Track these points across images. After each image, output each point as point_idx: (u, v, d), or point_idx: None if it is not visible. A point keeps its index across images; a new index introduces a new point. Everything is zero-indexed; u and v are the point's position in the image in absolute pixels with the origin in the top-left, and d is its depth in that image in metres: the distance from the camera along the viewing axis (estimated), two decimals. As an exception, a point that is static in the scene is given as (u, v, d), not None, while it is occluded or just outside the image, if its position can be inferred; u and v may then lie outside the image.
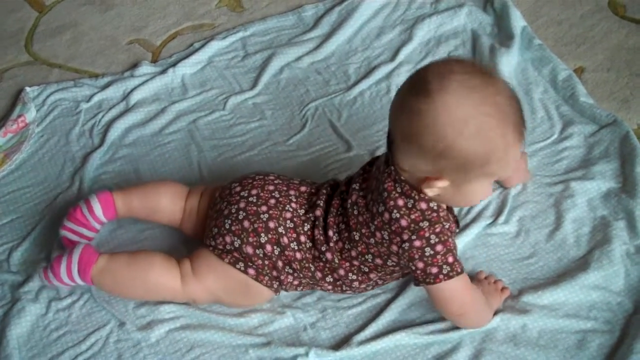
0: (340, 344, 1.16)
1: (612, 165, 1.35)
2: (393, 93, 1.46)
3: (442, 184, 1.02)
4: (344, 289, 1.18)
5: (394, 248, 1.08)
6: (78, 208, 1.25)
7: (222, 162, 1.43)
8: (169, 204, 1.26)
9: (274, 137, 1.47)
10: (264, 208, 1.15)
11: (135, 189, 1.28)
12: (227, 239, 1.15)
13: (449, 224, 1.07)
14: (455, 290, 1.08)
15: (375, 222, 1.08)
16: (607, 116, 1.42)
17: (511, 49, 1.55)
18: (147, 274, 1.17)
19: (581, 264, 1.22)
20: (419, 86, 1.00)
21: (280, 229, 1.14)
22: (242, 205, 1.16)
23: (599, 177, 1.33)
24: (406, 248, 1.06)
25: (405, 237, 1.06)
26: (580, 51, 1.59)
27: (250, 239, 1.14)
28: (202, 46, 1.65)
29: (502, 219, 1.29)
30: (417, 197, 1.05)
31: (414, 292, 1.19)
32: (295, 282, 1.18)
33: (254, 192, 1.17)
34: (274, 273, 1.16)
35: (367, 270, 1.15)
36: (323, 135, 1.47)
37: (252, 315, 1.20)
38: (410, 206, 1.05)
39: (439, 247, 1.06)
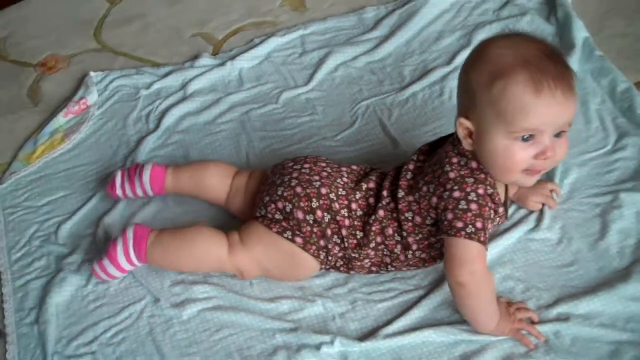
0: (367, 336, 1.15)
1: (665, 179, 1.30)
2: (446, 96, 1.51)
3: (466, 122, 1.09)
4: (384, 255, 1.18)
5: (434, 200, 1.11)
6: (135, 166, 1.33)
7: (270, 153, 1.45)
8: (217, 180, 1.30)
9: (323, 133, 1.48)
10: (317, 177, 1.19)
11: (185, 166, 1.34)
12: (280, 204, 1.17)
13: (493, 194, 1.10)
14: (469, 254, 1.08)
15: (426, 178, 1.14)
16: (664, 130, 1.38)
17: (571, 59, 1.51)
18: (195, 242, 1.20)
19: (622, 275, 1.18)
20: None
21: (332, 195, 1.17)
22: (295, 175, 1.19)
23: (650, 189, 1.29)
24: (445, 197, 1.09)
25: (449, 186, 1.10)
26: (643, 65, 1.55)
27: (302, 204, 1.16)
28: (262, 42, 1.69)
29: (544, 225, 1.27)
30: (470, 156, 1.12)
31: (445, 292, 1.18)
32: (340, 255, 1.19)
33: (307, 166, 1.21)
34: (322, 242, 1.17)
35: (405, 234, 1.16)
36: (372, 133, 1.47)
37: (283, 301, 1.21)
38: (463, 164, 1.12)
39: (473, 206, 1.08)
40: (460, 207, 1.08)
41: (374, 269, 1.21)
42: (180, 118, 1.54)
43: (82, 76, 1.66)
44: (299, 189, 1.18)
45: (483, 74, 1.09)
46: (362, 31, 1.71)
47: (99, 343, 1.19)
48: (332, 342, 1.14)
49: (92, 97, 1.60)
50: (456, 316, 1.16)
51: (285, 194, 1.18)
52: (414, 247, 1.17)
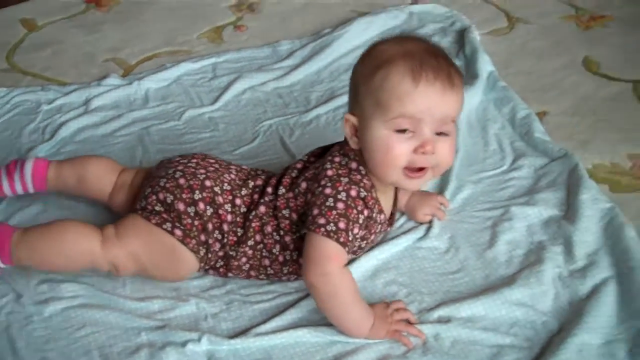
0: (238, 335, 1.09)
1: (558, 195, 1.29)
2: (350, 119, 1.47)
3: (350, 116, 1.09)
4: (263, 257, 1.14)
5: (309, 196, 1.09)
6: (15, 160, 1.25)
7: (164, 164, 1.41)
8: (100, 174, 1.24)
9: (222, 147, 1.46)
10: (203, 171, 1.15)
11: (70, 159, 1.28)
12: (160, 195, 1.13)
13: (367, 197, 1.07)
14: (324, 253, 1.04)
15: (307, 174, 1.11)
16: (559, 150, 1.37)
17: (474, 87, 1.53)
18: (64, 237, 1.12)
19: (508, 281, 1.15)
20: None
21: (217, 189, 1.13)
22: (180, 168, 1.15)
23: (542, 204, 1.27)
24: (317, 193, 1.07)
25: (323, 182, 1.08)
26: (546, 97, 1.57)
27: (184, 195, 1.12)
28: (173, 66, 1.68)
29: (433, 234, 1.24)
30: (352, 156, 1.10)
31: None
32: (220, 254, 1.14)
33: (194, 160, 1.18)
34: (202, 237, 1.12)
35: (282, 232, 1.12)
36: (271, 149, 1.45)
37: (153, 300, 1.14)
38: (343, 163, 1.10)
39: (340, 205, 1.05)
40: (327, 203, 1.06)
41: (252, 272, 1.16)
42: (78, 130, 1.50)
43: (-14, 93, 1.63)
44: (181, 180, 1.14)
45: (366, 66, 1.09)
46: (274, 61, 1.71)
47: (-52, 338, 1.10)
48: (199, 339, 1.07)
49: (-8, 110, 1.56)
50: (334, 318, 1.10)
51: (167, 185, 1.13)
52: (291, 246, 1.13)
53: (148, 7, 1.96)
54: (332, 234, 1.04)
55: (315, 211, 1.06)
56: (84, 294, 1.15)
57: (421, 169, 1.07)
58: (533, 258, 1.18)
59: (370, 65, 1.08)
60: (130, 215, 1.15)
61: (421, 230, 1.25)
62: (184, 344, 1.06)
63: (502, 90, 1.54)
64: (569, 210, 1.25)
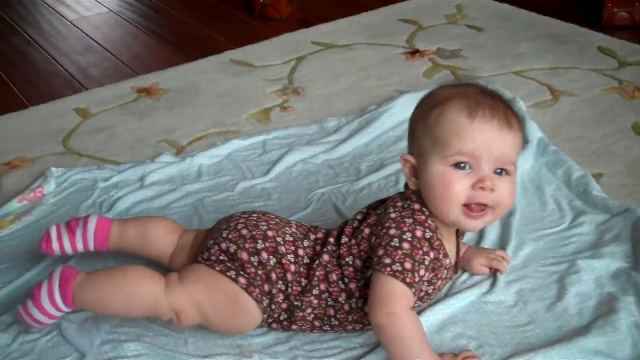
0: (306, 390, 1.06)
1: (623, 248, 1.27)
2: (402, 185, 1.50)
3: (409, 157, 1.11)
4: (328, 306, 1.12)
5: (373, 240, 1.08)
6: (77, 218, 1.25)
7: (221, 234, 1.42)
8: (162, 235, 1.24)
9: (277, 215, 1.45)
10: (264, 224, 1.16)
11: (133, 219, 1.29)
12: (223, 245, 1.13)
13: (432, 237, 1.06)
14: (391, 293, 1.02)
15: (369, 221, 1.11)
16: (620, 206, 1.36)
17: (525, 152, 1.53)
18: (127, 280, 1.11)
19: (582, 331, 1.11)
20: None
21: (279, 239, 1.13)
22: (242, 221, 1.16)
23: (609, 257, 1.25)
24: (382, 235, 1.06)
25: (387, 224, 1.07)
26: (599, 161, 1.56)
27: (247, 245, 1.12)
28: (224, 144, 1.71)
29: (499, 288, 1.21)
30: (414, 198, 1.11)
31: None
32: (284, 306, 1.12)
33: (255, 215, 1.18)
34: (266, 287, 1.11)
35: (347, 280, 1.11)
36: (325, 215, 1.45)
37: (217, 357, 1.12)
38: (406, 206, 1.10)
39: (406, 245, 1.04)
40: (393, 244, 1.05)
41: (316, 323, 1.14)
42: (134, 204, 1.52)
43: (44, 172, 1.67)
44: (244, 232, 1.14)
45: (423, 107, 1.13)
46: (322, 136, 1.74)
47: (12, 398, 1.08)
48: (267, 394, 1.04)
49: (49, 187, 1.59)
50: (403, 372, 1.07)
51: (230, 236, 1.14)
52: (357, 294, 1.11)
53: (196, 95, 2.02)
54: (398, 274, 1.02)
55: (381, 252, 1.05)
56: (148, 353, 1.13)
57: (482, 209, 1.07)
58: (605, 309, 1.15)
59: (427, 106, 1.11)
60: (194, 265, 1.15)
61: (486, 286, 1.22)
62: (251, 398, 1.04)
63: (554, 154, 1.54)
64: (638, 261, 1.22)
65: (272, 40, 2.36)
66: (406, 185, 1.14)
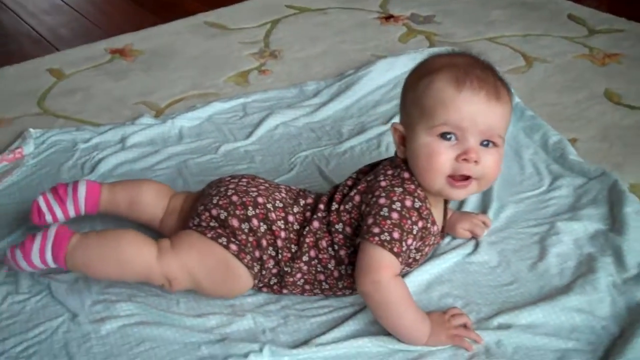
0: (299, 346, 1.08)
1: (600, 210, 1.31)
2: (383, 148, 1.52)
3: (398, 126, 1.12)
4: (318, 272, 1.14)
5: (363, 207, 1.09)
6: (63, 184, 1.23)
7: (205, 195, 1.42)
8: (152, 199, 1.24)
9: (262, 177, 1.47)
10: (254, 189, 1.16)
11: (120, 183, 1.28)
12: (214, 211, 1.13)
13: (421, 207, 1.08)
14: (376, 262, 1.05)
15: (359, 187, 1.12)
16: (596, 169, 1.40)
17: (503, 117, 1.56)
18: (120, 246, 1.12)
19: (563, 290, 1.15)
20: None
21: (269, 206, 1.14)
22: (231, 186, 1.16)
23: (586, 219, 1.29)
24: (371, 203, 1.08)
25: (377, 193, 1.08)
26: (573, 126, 1.61)
27: (237, 212, 1.12)
28: (204, 106, 1.71)
29: (482, 249, 1.25)
30: (403, 167, 1.12)
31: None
32: (274, 271, 1.14)
33: (244, 180, 1.19)
34: (257, 253, 1.12)
35: (337, 247, 1.12)
36: (309, 177, 1.47)
37: (209, 316, 1.14)
38: (395, 174, 1.11)
39: (394, 215, 1.06)
40: (382, 213, 1.07)
41: (307, 287, 1.16)
42: (117, 165, 1.51)
43: (21, 133, 1.64)
44: (234, 197, 1.15)
45: (413, 76, 1.13)
46: (302, 99, 1.75)
47: (6, 356, 1.08)
48: (260, 350, 1.06)
49: (28, 148, 1.57)
50: (393, 329, 1.10)
51: (220, 202, 1.14)
52: (346, 260, 1.13)
53: (172, 57, 2.00)
54: (386, 244, 1.04)
55: (370, 220, 1.06)
56: (140, 312, 1.14)
57: (466, 179, 1.09)
58: (585, 268, 1.19)
59: (417, 75, 1.12)
60: (185, 231, 1.15)
61: (469, 247, 1.26)
62: (246, 355, 1.05)
63: (530, 119, 1.58)
64: (615, 223, 1.27)
65: (244, 3, 2.34)
66: (397, 152, 1.16)
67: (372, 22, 2.17)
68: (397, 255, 1.05)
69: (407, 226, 1.07)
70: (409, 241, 1.08)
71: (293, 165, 1.51)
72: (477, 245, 1.26)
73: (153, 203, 1.24)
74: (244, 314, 1.14)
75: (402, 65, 1.83)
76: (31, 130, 1.63)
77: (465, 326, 1.08)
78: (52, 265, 1.13)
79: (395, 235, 1.05)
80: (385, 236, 1.05)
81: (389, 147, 1.54)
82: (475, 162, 1.07)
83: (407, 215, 1.07)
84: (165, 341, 1.10)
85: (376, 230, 1.05)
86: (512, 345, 1.07)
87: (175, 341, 1.10)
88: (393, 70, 1.82)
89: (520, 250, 1.25)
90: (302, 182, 1.44)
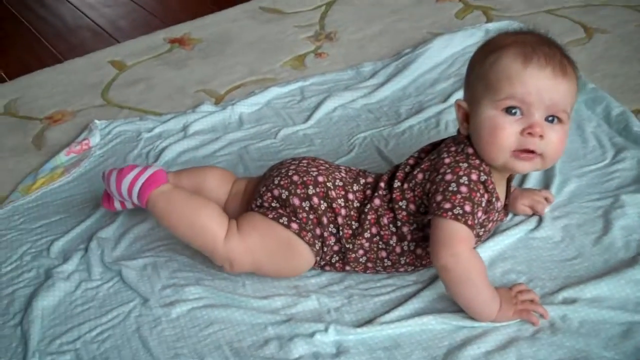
0: (363, 324, 1.10)
1: (667, 181, 1.29)
2: (442, 127, 1.52)
3: (463, 103, 1.13)
4: (379, 249, 1.15)
5: (428, 186, 1.10)
6: (132, 166, 1.23)
7: (267, 179, 1.45)
8: (216, 185, 1.27)
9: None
10: (314, 169, 1.18)
11: (185, 170, 1.32)
12: (275, 192, 1.16)
13: (487, 180, 1.09)
14: (453, 236, 1.05)
15: (423, 166, 1.13)
16: (661, 140, 1.37)
17: (564, 91, 1.54)
18: (200, 211, 1.15)
19: (629, 263, 1.14)
20: None
21: (329, 184, 1.16)
22: (292, 167, 1.19)
23: (653, 191, 1.27)
24: (437, 180, 1.09)
25: (442, 170, 1.09)
26: (637, 97, 1.57)
27: (298, 191, 1.15)
28: (262, 91, 1.73)
29: (545, 225, 1.24)
30: (467, 142, 1.12)
31: (443, 285, 1.13)
32: (335, 248, 1.16)
33: (304, 161, 1.21)
34: (318, 231, 1.14)
35: (400, 224, 1.13)
36: (369, 158, 1.48)
37: (275, 298, 1.17)
38: (459, 150, 1.12)
39: (463, 189, 1.06)
40: (450, 188, 1.07)
41: (369, 264, 1.17)
42: (180, 153, 1.55)
43: (87, 125, 1.69)
44: (295, 177, 1.17)
45: (479, 53, 1.14)
46: (359, 81, 1.75)
47: (83, 341, 1.13)
48: (326, 330, 1.08)
49: (95, 139, 1.62)
50: (457, 306, 1.10)
51: (282, 182, 1.17)
52: (409, 237, 1.14)
53: (229, 44, 2.03)
54: (459, 217, 1.05)
55: (439, 197, 1.07)
56: (208, 296, 1.18)
57: (530, 152, 1.08)
58: (651, 241, 1.18)
59: (484, 52, 1.12)
60: (249, 212, 1.18)
61: (532, 222, 1.25)
62: (311, 334, 1.08)
63: (592, 92, 1.55)
64: (681, 194, 1.24)
65: (299, -14, 2.35)
66: (459, 130, 1.16)
67: (427, 0, 2.16)
68: (471, 227, 1.06)
69: (476, 198, 1.07)
70: (479, 214, 1.08)
71: (352, 146, 1.52)
72: (540, 221, 1.25)
73: (216, 189, 1.27)
74: (309, 294, 1.16)
75: (459, 42, 1.83)
76: (96, 121, 1.68)
77: (532, 301, 1.08)
78: (134, 200, 1.18)
79: (467, 208, 1.06)
80: (458, 210, 1.05)
81: (448, 126, 1.53)
82: (541, 136, 1.06)
83: (475, 188, 1.08)
84: (233, 322, 1.13)
85: (447, 205, 1.06)
86: (578, 319, 1.06)
87: (242, 322, 1.13)
88: (450, 48, 1.81)
89: (584, 225, 1.24)
90: (362, 163, 1.46)
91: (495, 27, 1.89)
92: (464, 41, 1.83)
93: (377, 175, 1.22)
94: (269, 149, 1.54)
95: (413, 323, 1.08)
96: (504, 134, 1.07)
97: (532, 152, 1.08)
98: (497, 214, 1.16)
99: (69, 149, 1.59)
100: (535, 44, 1.08)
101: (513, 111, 1.07)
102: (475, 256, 1.07)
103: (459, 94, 1.61)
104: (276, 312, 1.14)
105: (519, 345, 1.04)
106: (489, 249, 1.19)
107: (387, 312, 1.11)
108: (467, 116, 1.12)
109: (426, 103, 1.63)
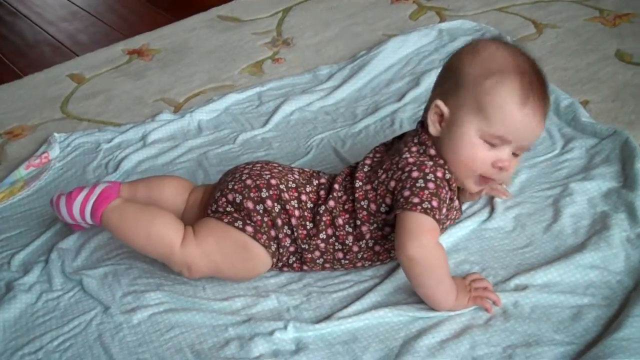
0: (322, 321, 1.12)
1: (613, 168, 1.33)
2: (397, 126, 1.54)
3: (442, 105, 1.13)
4: (336, 250, 1.17)
5: (392, 184, 1.12)
6: (78, 188, 1.24)
7: (226, 184, 1.47)
8: (173, 194, 1.28)
9: (280, 162, 1.50)
10: (267, 172, 1.20)
11: (142, 180, 1.33)
12: (230, 196, 1.17)
13: (451, 178, 1.12)
14: (421, 228, 1.07)
15: (384, 166, 1.15)
16: (608, 129, 1.41)
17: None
18: (154, 221, 1.17)
19: (578, 248, 1.17)
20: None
21: (282, 186, 1.18)
22: (245, 172, 1.21)
23: (599, 178, 1.31)
24: (403, 178, 1.11)
25: (407, 169, 1.12)
26: (585, 88, 1.61)
27: (252, 194, 1.16)
28: (220, 98, 1.75)
29: (497, 215, 1.27)
30: (429, 144, 1.15)
31: (401, 277, 1.16)
32: (292, 249, 1.18)
33: (258, 165, 1.23)
34: (272, 232, 1.16)
35: (359, 222, 1.15)
36: (326, 159, 1.50)
37: (235, 299, 1.18)
38: (422, 151, 1.15)
39: (431, 185, 1.09)
40: (418, 185, 1.10)
41: (327, 265, 1.20)
42: (139, 162, 1.56)
43: (46, 138, 1.70)
44: (248, 181, 1.18)
45: (476, 66, 1.13)
46: (316, 84, 1.77)
47: (45, 351, 1.13)
48: (285, 327, 1.10)
49: (54, 152, 1.63)
50: (413, 298, 1.13)
51: (236, 187, 1.18)
52: (367, 236, 1.16)
53: (188, 53, 2.04)
54: (428, 211, 1.07)
55: (407, 192, 1.09)
56: (169, 301, 1.19)
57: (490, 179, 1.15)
58: (599, 226, 1.21)
59: (481, 67, 1.12)
60: (204, 219, 1.20)
61: (485, 214, 1.28)
62: (271, 333, 1.10)
63: (541, 85, 1.59)
64: (627, 180, 1.28)
65: (256, -6, 2.37)
66: (419, 127, 1.18)
67: (382, 2, 2.18)
68: (438, 222, 1.09)
69: (442, 195, 1.10)
70: (444, 210, 1.11)
71: (310, 148, 1.54)
72: (492, 212, 1.28)
73: (173, 197, 1.28)
74: (268, 294, 1.18)
75: (413, 43, 1.86)
76: (56, 134, 1.69)
77: (485, 289, 1.11)
78: (88, 220, 1.20)
79: (434, 203, 1.08)
80: (426, 204, 1.08)
81: (403, 124, 1.56)
82: (506, 170, 1.14)
83: (442, 185, 1.11)
84: (194, 325, 1.14)
85: (416, 200, 1.08)
86: (529, 305, 1.09)
87: (203, 325, 1.14)
88: (404, 48, 1.84)
89: (535, 214, 1.27)
90: (319, 164, 1.48)
91: (448, 26, 1.93)
92: (418, 41, 1.87)
93: (331, 176, 1.24)
94: (228, 154, 1.56)
95: (370, 316, 1.10)
96: (480, 163, 1.13)
97: (492, 179, 1.16)
98: (455, 212, 1.20)
99: (28, 162, 1.60)
100: (532, 76, 1.11)
101: (494, 143, 1.11)
102: (440, 247, 1.09)
103: (414, 93, 1.66)
104: (236, 313, 1.15)
105: (472, 332, 1.06)
106: (443, 241, 1.20)
107: (345, 307, 1.13)
108: (442, 119, 1.14)
109: (381, 103, 1.66)
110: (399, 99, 1.65)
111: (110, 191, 1.20)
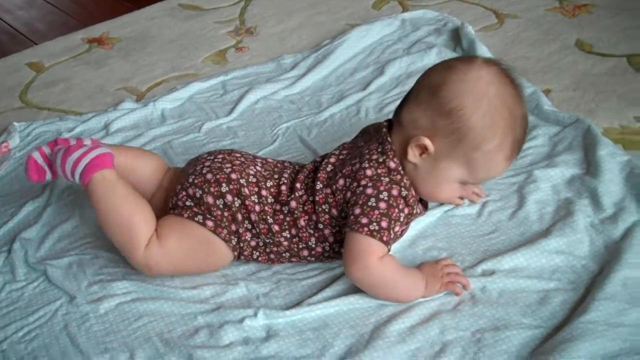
0: (292, 307, 1.12)
1: (576, 156, 1.35)
2: (363, 114, 1.54)
3: (429, 145, 1.10)
4: (300, 248, 1.17)
5: (348, 195, 1.11)
6: (79, 141, 1.23)
7: (192, 173, 1.45)
8: (154, 171, 1.27)
9: (246, 151, 1.49)
10: (228, 165, 1.18)
11: (130, 149, 1.32)
12: (190, 191, 1.16)
13: (407, 195, 1.11)
14: (365, 250, 1.07)
15: (344, 171, 1.14)
16: (570, 117, 1.43)
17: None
18: (133, 211, 1.15)
19: (543, 234, 1.19)
20: (464, 57, 1.21)
21: (242, 181, 1.16)
22: (207, 164, 1.19)
23: (563, 165, 1.33)
24: (358, 192, 1.10)
25: (363, 183, 1.10)
26: (546, 77, 1.64)
27: (212, 189, 1.15)
28: (184, 87, 1.73)
29: (464, 203, 1.28)
30: (391, 155, 1.13)
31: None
32: (253, 243, 1.17)
33: (220, 156, 1.21)
34: (233, 227, 1.15)
35: (321, 226, 1.15)
36: (292, 147, 1.50)
37: (204, 287, 1.17)
38: (381, 161, 1.12)
39: (382, 205, 1.08)
40: (370, 203, 1.09)
41: (293, 259, 1.20)
42: (102, 151, 1.54)
43: (6, 128, 1.66)
44: (209, 175, 1.17)
45: (465, 99, 1.09)
46: (280, 73, 1.77)
47: (9, 342, 1.11)
48: (255, 315, 1.10)
49: (14, 141, 1.59)
50: (382, 285, 1.13)
51: (196, 181, 1.17)
52: (331, 239, 1.16)
53: (150, 42, 2.02)
54: (375, 233, 1.07)
55: (357, 210, 1.08)
56: (136, 290, 1.17)
57: None
58: (563, 212, 1.23)
59: (471, 104, 1.08)
60: (164, 217, 1.18)
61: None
62: (241, 320, 1.09)
63: (504, 74, 1.60)
64: (590, 167, 1.30)
65: (217, -17, 2.35)
66: (385, 132, 1.15)
67: (345, -8, 2.19)
68: (385, 243, 1.08)
69: (394, 214, 1.09)
70: (396, 228, 1.11)
71: (275, 136, 1.54)
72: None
73: (152, 175, 1.26)
74: (237, 282, 1.17)
75: (376, 32, 1.87)
76: (15, 123, 1.65)
77: (456, 274, 1.12)
78: (77, 178, 1.16)
79: (384, 224, 1.08)
80: (374, 226, 1.07)
81: (368, 112, 1.57)
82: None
83: (395, 204, 1.09)
84: (162, 314, 1.13)
85: (364, 220, 1.07)
86: (497, 290, 1.11)
87: (172, 313, 1.13)
88: (368, 37, 1.85)
89: (500, 200, 1.28)
90: (286, 153, 1.48)
91: (411, 16, 1.94)
92: (381, 31, 1.87)
93: (295, 169, 1.23)
94: (193, 143, 1.54)
95: (340, 303, 1.11)
96: (447, 195, 1.23)
97: None
98: (418, 216, 1.22)
99: (-13, 152, 1.56)
100: (521, 133, 1.13)
101: (468, 183, 1.18)
102: (384, 262, 1.08)
103: (379, 82, 1.66)
104: (205, 302, 1.15)
105: (441, 317, 1.07)
106: (411, 229, 1.22)
107: (315, 294, 1.13)
108: (425, 152, 1.12)
109: (347, 92, 1.66)
110: (364, 88, 1.65)
111: (105, 158, 1.17)
